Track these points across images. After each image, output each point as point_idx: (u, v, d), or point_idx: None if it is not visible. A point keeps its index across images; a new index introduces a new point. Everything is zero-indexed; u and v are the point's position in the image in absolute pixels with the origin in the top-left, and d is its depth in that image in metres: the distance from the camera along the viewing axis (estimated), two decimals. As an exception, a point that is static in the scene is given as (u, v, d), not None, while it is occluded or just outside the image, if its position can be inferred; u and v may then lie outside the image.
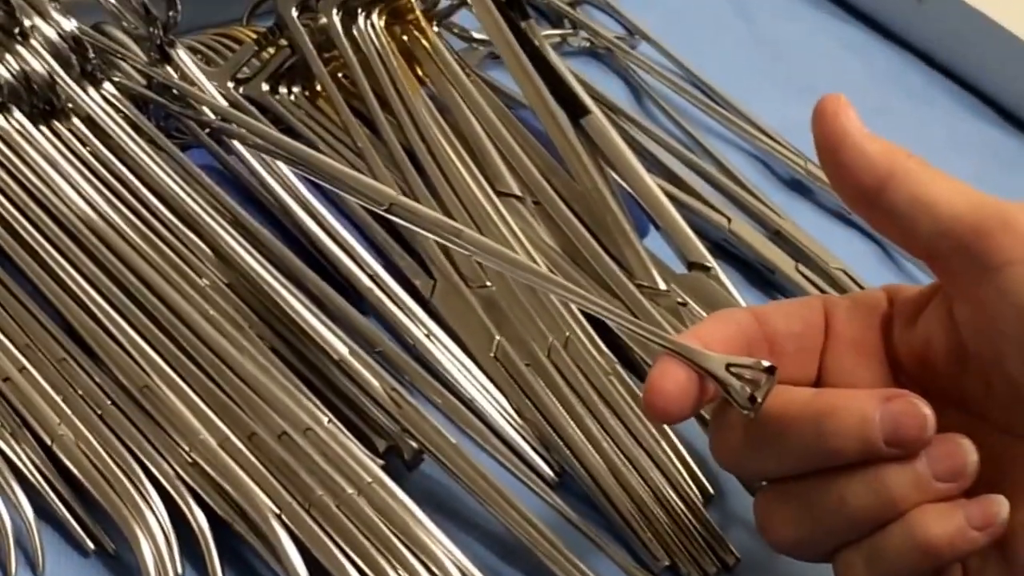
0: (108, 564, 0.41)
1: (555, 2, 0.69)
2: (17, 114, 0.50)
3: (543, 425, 0.46)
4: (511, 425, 0.46)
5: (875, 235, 0.61)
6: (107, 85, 0.52)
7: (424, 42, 0.59)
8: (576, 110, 0.55)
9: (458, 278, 0.50)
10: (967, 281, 0.38)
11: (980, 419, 0.40)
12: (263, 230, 0.49)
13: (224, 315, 0.46)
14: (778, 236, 0.57)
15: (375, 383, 0.45)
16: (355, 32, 0.57)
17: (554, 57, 0.57)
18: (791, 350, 0.41)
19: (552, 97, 0.55)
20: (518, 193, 0.54)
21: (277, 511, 0.41)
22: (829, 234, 0.59)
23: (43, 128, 0.51)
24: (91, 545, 0.41)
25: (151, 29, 0.53)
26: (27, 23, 0.51)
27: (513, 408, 0.47)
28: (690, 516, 0.45)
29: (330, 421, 0.44)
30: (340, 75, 0.57)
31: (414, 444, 0.44)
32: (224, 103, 0.53)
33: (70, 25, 0.52)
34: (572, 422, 0.46)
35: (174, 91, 0.52)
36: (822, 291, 0.55)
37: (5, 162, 0.49)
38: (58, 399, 0.44)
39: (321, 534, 0.41)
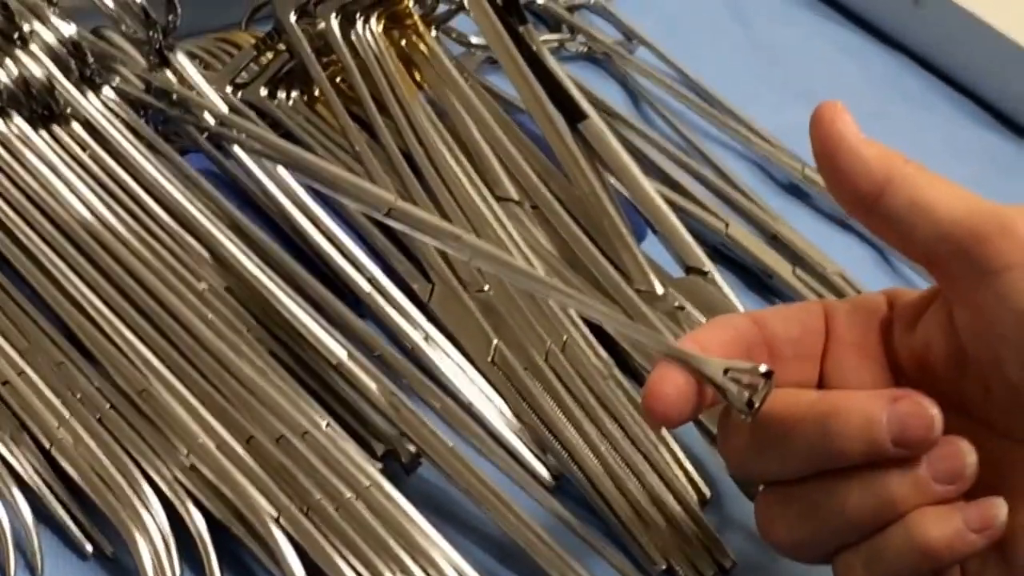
0: (107, 567, 0.41)
1: (553, 7, 0.69)
2: (16, 119, 0.50)
3: (541, 429, 0.46)
4: (509, 429, 0.47)
5: (872, 239, 0.61)
6: (106, 90, 0.53)
7: (422, 47, 0.59)
8: (574, 115, 0.55)
9: (456, 282, 0.50)
10: (966, 285, 0.38)
11: (980, 423, 0.40)
12: (261, 234, 0.49)
13: (222, 319, 0.46)
14: (775, 240, 0.57)
15: (373, 387, 0.45)
16: (353, 37, 0.57)
17: (552, 62, 0.57)
18: (791, 354, 0.41)
19: (550, 102, 0.56)
20: (516, 197, 0.54)
21: (275, 514, 0.41)
22: (826, 238, 0.59)
23: (42, 133, 0.51)
24: (90, 548, 0.41)
25: (151, 33, 0.53)
26: (26, 28, 0.51)
27: (511, 412, 0.47)
28: (687, 519, 0.45)
29: (328, 425, 0.44)
30: (338, 80, 0.57)
31: (412, 448, 0.44)
32: (224, 108, 0.53)
33: (69, 30, 0.52)
34: (570, 426, 0.46)
35: (173, 96, 0.53)
36: (819, 295, 0.55)
37: (4, 167, 0.49)
38: (57, 403, 0.44)
39: (319, 537, 0.41)
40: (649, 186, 0.55)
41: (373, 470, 0.43)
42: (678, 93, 0.66)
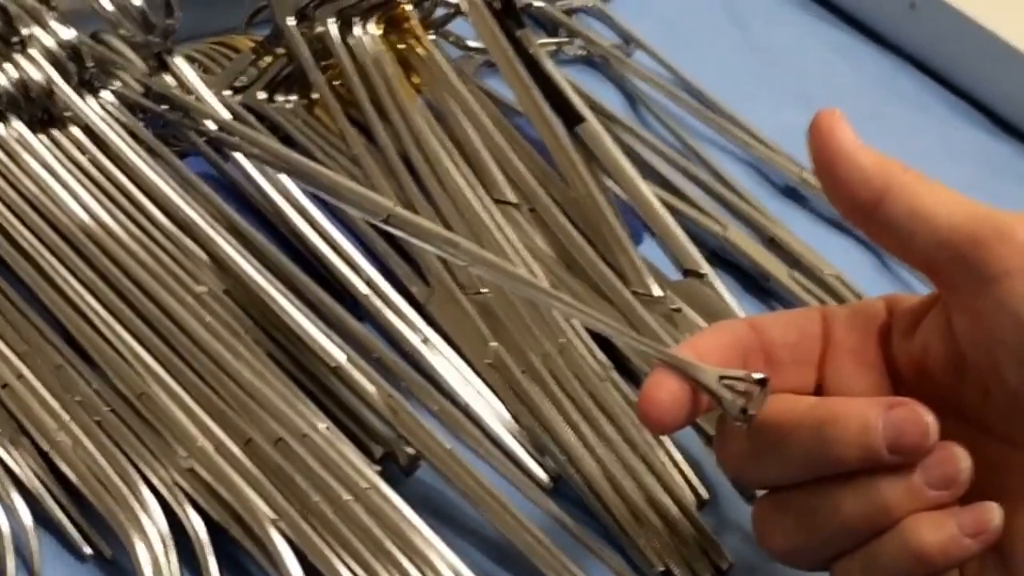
0: (105, 570, 0.42)
1: (550, 10, 0.69)
2: (15, 122, 0.51)
3: (538, 431, 0.47)
4: (507, 431, 0.47)
5: (870, 243, 0.61)
6: (105, 93, 0.53)
7: (420, 51, 0.59)
8: (571, 118, 0.56)
9: (454, 285, 0.50)
10: (965, 292, 0.39)
11: (978, 428, 0.40)
12: (260, 237, 0.49)
13: (221, 322, 0.47)
14: (773, 243, 0.58)
15: (372, 389, 0.45)
16: (352, 41, 0.57)
17: (549, 65, 0.58)
18: (788, 360, 0.41)
19: (548, 105, 0.56)
20: (514, 201, 0.54)
21: (274, 517, 0.41)
22: (824, 242, 0.59)
23: (41, 136, 0.51)
24: (88, 551, 0.42)
25: (149, 37, 0.53)
26: (25, 32, 0.51)
27: (509, 414, 0.47)
28: (684, 521, 0.45)
29: (327, 427, 0.44)
30: (337, 83, 0.57)
31: (410, 450, 0.44)
32: (224, 112, 0.53)
33: (68, 34, 0.52)
34: (567, 428, 0.47)
35: (172, 100, 0.53)
36: (817, 298, 0.55)
37: (3, 170, 0.49)
38: (55, 406, 0.44)
39: (318, 540, 0.41)
40: (646, 189, 0.55)
41: (371, 472, 0.43)
42: (675, 96, 0.66)
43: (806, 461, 0.39)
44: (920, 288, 0.58)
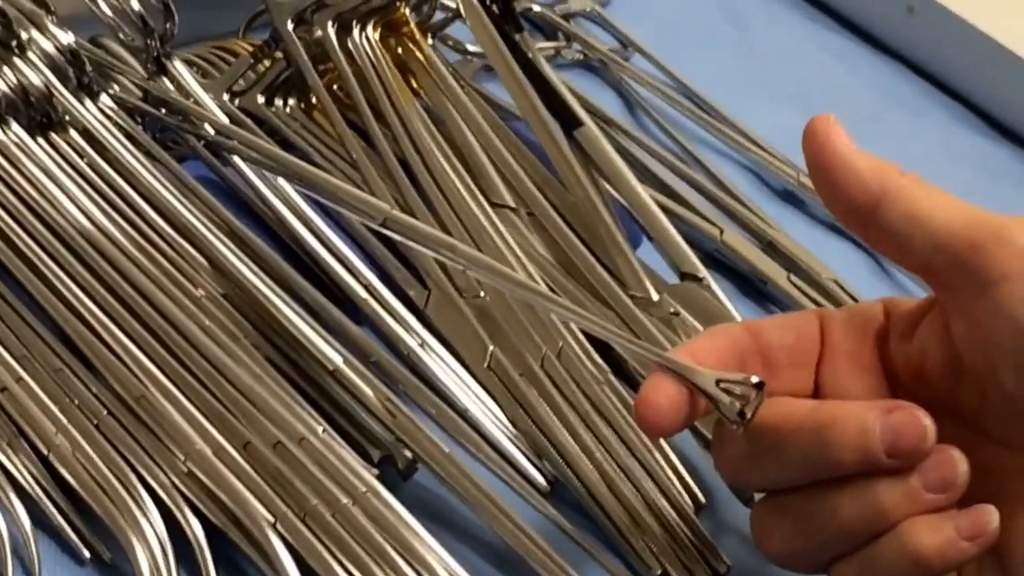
0: (104, 573, 0.42)
1: (549, 15, 0.69)
2: (15, 127, 0.51)
3: (536, 434, 0.47)
4: (504, 434, 0.47)
5: (867, 246, 0.61)
6: (104, 98, 0.53)
7: (418, 54, 0.59)
8: (569, 122, 0.56)
9: (452, 289, 0.50)
10: (963, 295, 0.39)
11: (976, 431, 0.40)
12: (258, 241, 0.50)
13: (219, 325, 0.47)
14: (770, 247, 0.58)
15: (370, 393, 0.45)
16: (350, 45, 0.57)
17: (548, 69, 0.58)
18: (786, 363, 0.41)
19: (546, 109, 0.56)
20: (512, 204, 0.54)
21: (272, 520, 0.41)
22: (821, 245, 0.59)
23: (40, 140, 0.51)
24: (87, 554, 0.42)
25: (148, 41, 0.53)
26: (24, 36, 0.52)
27: (507, 417, 0.47)
28: (682, 524, 0.45)
29: (325, 431, 0.44)
30: (335, 87, 0.57)
31: (408, 453, 0.44)
32: (223, 117, 0.53)
33: (67, 38, 0.52)
34: (565, 431, 0.47)
35: (170, 104, 0.53)
36: (814, 302, 0.55)
37: (3, 175, 0.49)
38: (55, 409, 0.44)
39: (316, 543, 0.41)
40: (644, 193, 0.55)
41: (369, 476, 0.43)
42: (673, 100, 0.66)
43: (804, 464, 0.39)
44: (917, 291, 0.58)
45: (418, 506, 0.43)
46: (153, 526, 0.41)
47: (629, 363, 0.50)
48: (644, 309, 0.51)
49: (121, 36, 0.54)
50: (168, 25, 0.53)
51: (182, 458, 0.43)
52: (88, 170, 0.50)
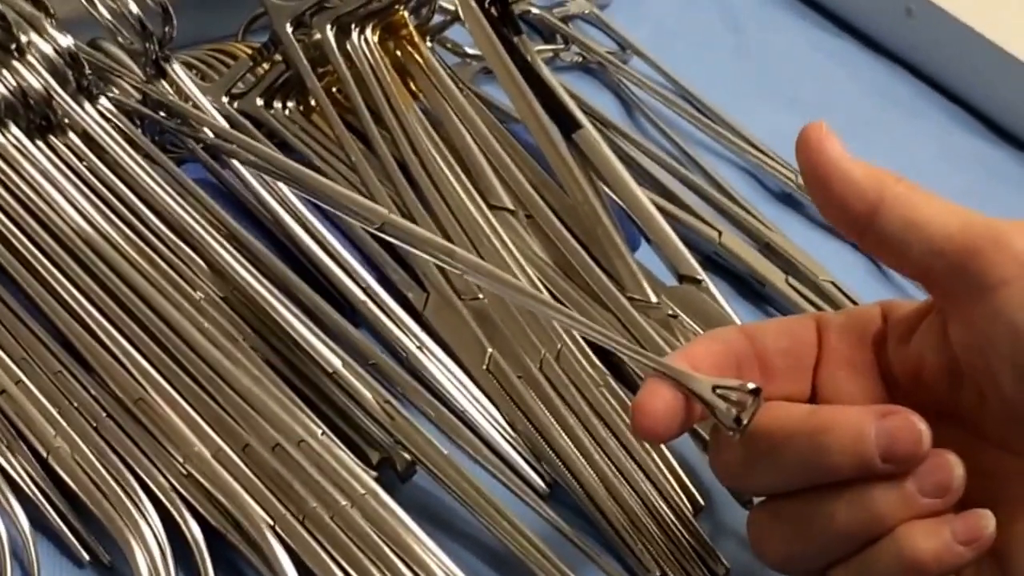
0: (103, 575, 0.42)
1: (547, 17, 0.69)
2: (14, 129, 0.51)
3: (535, 437, 0.47)
4: (503, 437, 0.47)
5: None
6: (103, 100, 0.53)
7: (417, 57, 0.59)
8: (568, 124, 0.56)
9: (451, 291, 0.50)
10: (961, 301, 0.39)
11: (975, 434, 0.40)
12: (257, 243, 0.50)
13: (219, 328, 0.47)
14: (768, 249, 0.58)
15: (368, 395, 0.45)
16: (349, 47, 0.57)
17: (546, 72, 0.58)
18: (783, 367, 0.41)
19: (544, 111, 0.56)
20: (510, 206, 0.54)
21: (271, 522, 0.41)
22: (819, 247, 0.59)
23: (40, 143, 0.51)
24: (86, 556, 0.42)
25: (147, 45, 0.53)
26: (24, 39, 0.52)
27: (505, 420, 0.47)
28: (680, 527, 0.45)
29: (324, 433, 0.44)
30: (334, 90, 0.57)
31: (407, 456, 0.45)
32: (222, 121, 0.53)
33: (66, 41, 0.52)
34: (564, 434, 0.47)
35: (169, 107, 0.53)
36: (812, 303, 0.55)
37: (2, 177, 0.49)
38: (54, 412, 0.44)
39: (315, 545, 0.41)
40: (643, 195, 0.55)
41: (368, 478, 0.43)
42: (671, 103, 0.66)
43: (800, 469, 0.39)
44: (915, 293, 0.58)
45: (416, 508, 0.43)
46: (152, 528, 0.41)
47: (628, 365, 0.50)
48: (642, 311, 0.51)
49: (120, 40, 0.54)
50: (167, 29, 0.53)
51: (181, 460, 0.43)
52: (87, 173, 0.50)
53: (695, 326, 0.51)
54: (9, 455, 0.43)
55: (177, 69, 0.54)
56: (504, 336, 0.49)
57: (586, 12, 0.71)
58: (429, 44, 0.60)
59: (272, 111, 0.57)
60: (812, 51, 0.74)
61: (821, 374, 0.41)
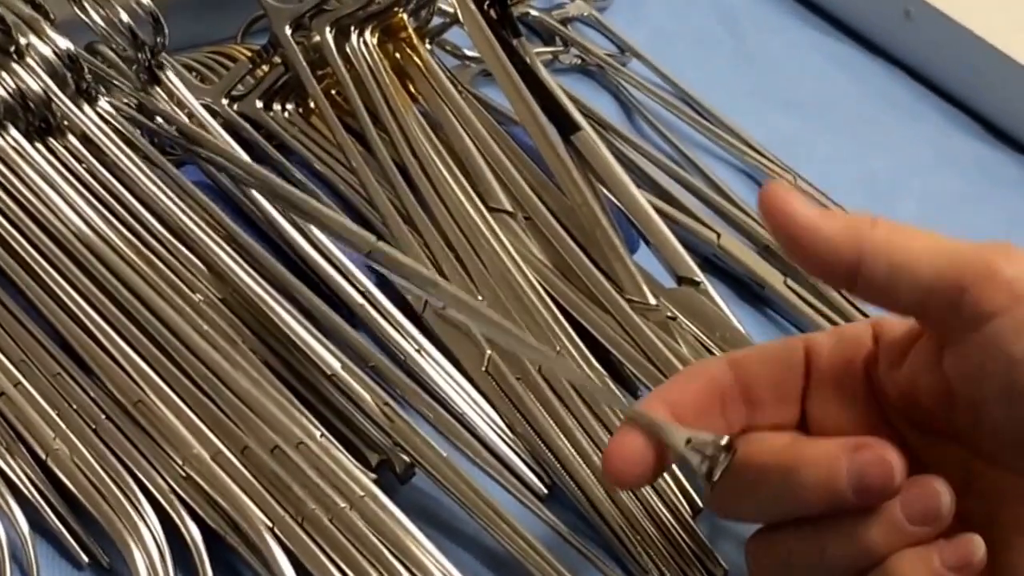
0: (102, 577, 0.42)
1: (546, 19, 0.69)
2: (13, 131, 0.51)
3: (534, 439, 0.47)
4: (502, 439, 0.47)
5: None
6: (102, 103, 0.53)
7: (416, 59, 0.59)
8: (567, 127, 0.56)
9: (450, 293, 0.50)
10: (955, 333, 0.38)
11: (972, 451, 0.39)
12: (256, 246, 0.50)
13: (217, 330, 0.47)
14: (767, 251, 0.58)
15: (367, 397, 0.46)
16: (348, 50, 0.57)
17: (545, 74, 0.58)
18: (769, 397, 0.41)
19: (543, 114, 0.56)
20: (509, 209, 0.54)
21: (270, 524, 0.41)
22: (818, 249, 0.59)
23: (39, 145, 0.51)
24: (85, 558, 0.42)
25: (139, 54, 0.53)
26: (23, 41, 0.52)
27: (504, 422, 0.47)
28: (679, 529, 0.45)
29: (322, 435, 0.44)
30: (333, 92, 0.58)
31: (406, 458, 0.45)
32: (220, 129, 0.53)
33: (66, 44, 0.52)
34: (562, 436, 0.47)
35: (163, 116, 0.53)
36: (811, 305, 0.55)
37: (1, 180, 0.50)
38: (53, 413, 0.44)
39: (313, 547, 0.41)
40: (641, 197, 0.55)
41: (367, 480, 0.43)
42: (670, 105, 0.66)
43: (777, 503, 0.39)
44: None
45: (415, 510, 0.43)
46: (151, 530, 0.41)
47: (626, 367, 0.50)
48: (641, 314, 0.51)
49: (113, 47, 0.54)
50: (159, 38, 0.53)
51: (180, 462, 0.43)
52: (86, 175, 0.50)
53: (694, 328, 0.51)
54: (8, 457, 0.43)
55: (171, 76, 0.54)
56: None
57: (585, 14, 0.71)
58: (428, 46, 0.60)
59: (271, 113, 0.57)
60: (811, 53, 0.74)
61: (811, 399, 0.41)
